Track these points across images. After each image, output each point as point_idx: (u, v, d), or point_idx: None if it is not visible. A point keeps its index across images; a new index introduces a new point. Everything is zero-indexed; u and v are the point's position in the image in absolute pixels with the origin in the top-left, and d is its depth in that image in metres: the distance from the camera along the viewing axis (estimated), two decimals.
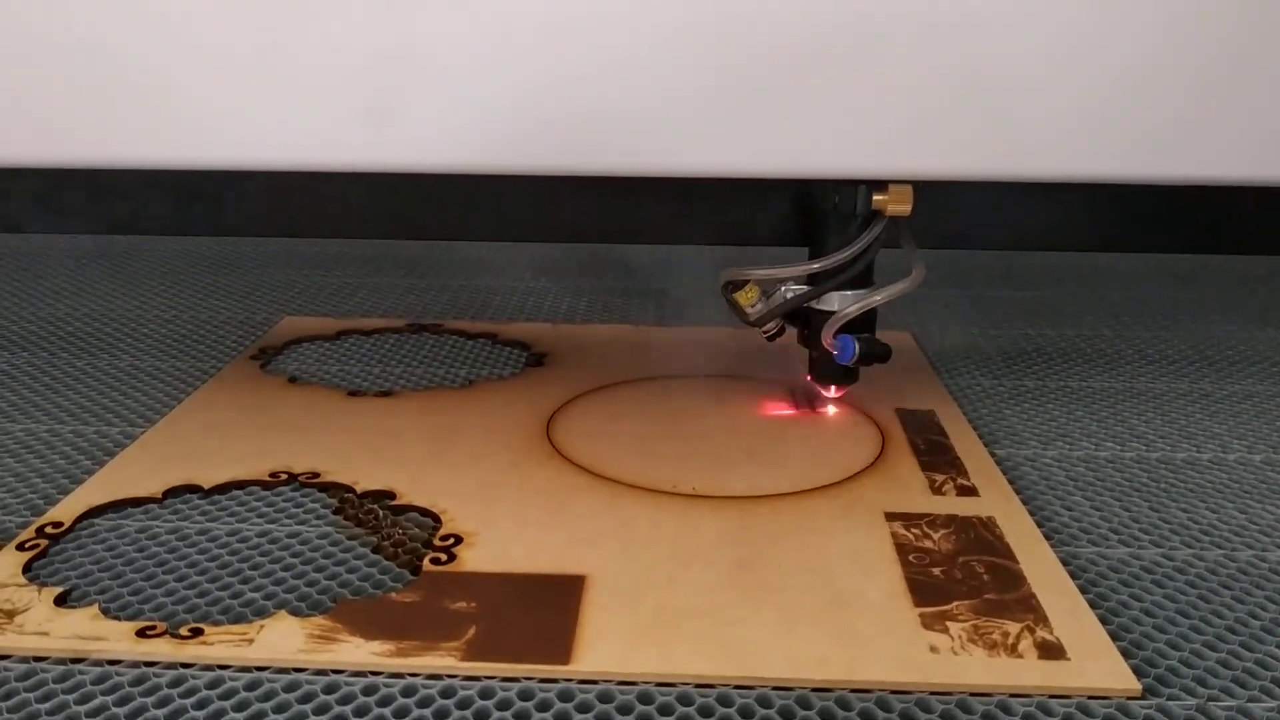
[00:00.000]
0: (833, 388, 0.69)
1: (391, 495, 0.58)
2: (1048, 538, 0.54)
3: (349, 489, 0.59)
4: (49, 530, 0.53)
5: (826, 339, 0.64)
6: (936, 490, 0.59)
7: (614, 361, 0.79)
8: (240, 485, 0.59)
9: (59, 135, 0.57)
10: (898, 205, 0.63)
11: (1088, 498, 0.59)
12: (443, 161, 0.58)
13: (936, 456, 0.64)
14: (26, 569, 0.50)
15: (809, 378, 0.69)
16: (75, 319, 0.89)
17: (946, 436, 0.66)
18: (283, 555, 0.52)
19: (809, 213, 0.67)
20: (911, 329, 0.87)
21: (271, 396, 0.71)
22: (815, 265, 0.64)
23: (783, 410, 0.69)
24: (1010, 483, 0.60)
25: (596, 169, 0.58)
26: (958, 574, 0.51)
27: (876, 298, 0.63)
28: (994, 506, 0.57)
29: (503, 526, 0.54)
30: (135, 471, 0.60)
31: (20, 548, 0.52)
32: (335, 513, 0.57)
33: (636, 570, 0.50)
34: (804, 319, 0.66)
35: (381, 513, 0.56)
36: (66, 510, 0.55)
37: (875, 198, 0.63)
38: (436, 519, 0.55)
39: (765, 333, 0.67)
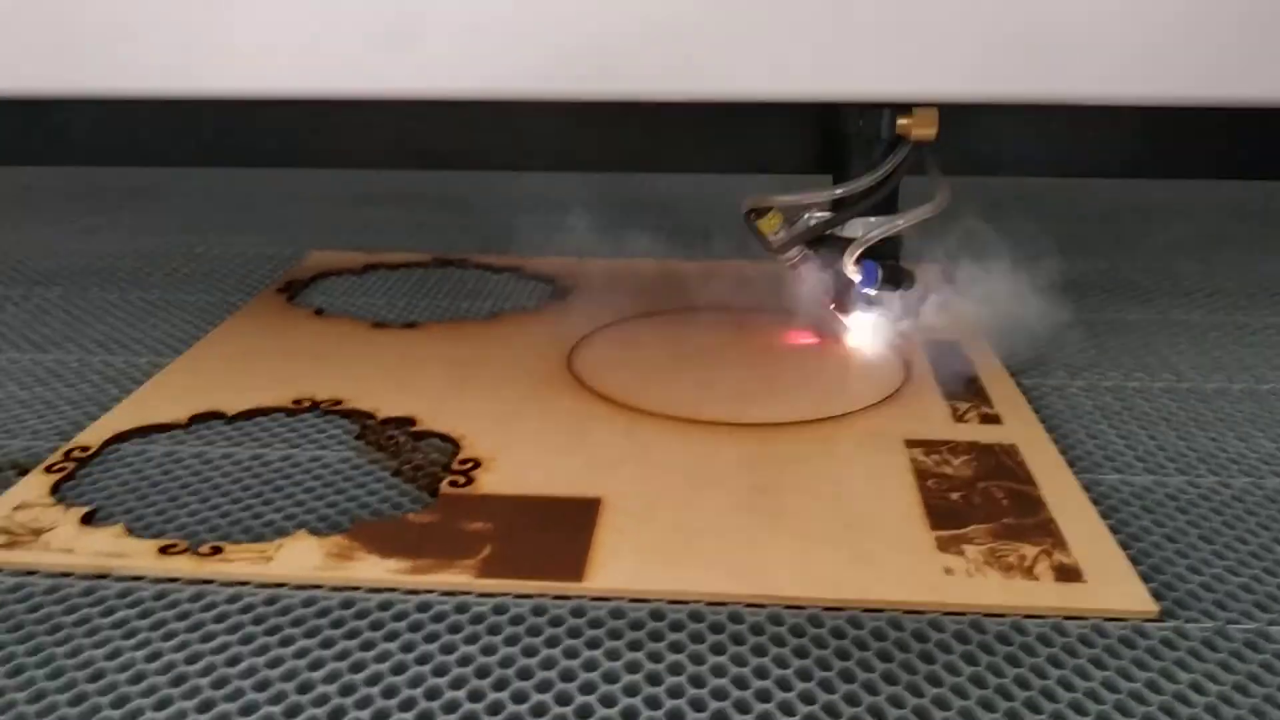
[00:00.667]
0: (853, 314, 0.68)
1: (412, 422, 0.58)
2: (1071, 465, 0.54)
3: (370, 416, 0.59)
4: (76, 454, 0.54)
5: (849, 264, 0.63)
6: (959, 418, 0.59)
7: (637, 295, 0.78)
8: (264, 412, 0.60)
9: (76, 63, 0.57)
10: (922, 129, 0.61)
11: (1113, 426, 0.59)
12: (465, 88, 0.57)
13: (960, 386, 0.63)
14: (54, 490, 0.51)
15: (831, 305, 0.68)
16: (104, 254, 0.90)
17: (972, 366, 0.66)
18: (303, 478, 0.53)
19: (833, 138, 0.66)
20: (940, 260, 0.86)
21: (297, 327, 0.72)
22: (839, 190, 0.63)
23: (806, 339, 0.69)
24: (1035, 412, 0.59)
25: (624, 94, 0.57)
26: (976, 499, 0.50)
27: (899, 221, 0.62)
28: (1017, 434, 0.57)
29: (521, 451, 0.54)
30: (161, 399, 0.60)
31: (49, 470, 0.53)
32: (357, 438, 0.57)
33: (651, 493, 0.50)
34: (827, 246, 0.65)
35: (402, 438, 0.57)
36: (94, 435, 0.56)
37: (899, 122, 0.62)
38: (456, 444, 0.56)
39: (788, 261, 0.66)
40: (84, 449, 0.55)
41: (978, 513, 0.49)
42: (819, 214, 0.64)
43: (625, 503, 0.49)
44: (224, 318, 0.74)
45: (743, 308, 0.75)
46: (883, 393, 0.62)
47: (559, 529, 0.47)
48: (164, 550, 0.46)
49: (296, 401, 0.60)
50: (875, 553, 0.46)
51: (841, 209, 0.64)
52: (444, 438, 0.56)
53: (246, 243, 0.94)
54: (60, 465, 0.53)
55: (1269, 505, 0.51)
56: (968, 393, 0.62)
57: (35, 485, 0.51)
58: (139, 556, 0.45)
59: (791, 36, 0.55)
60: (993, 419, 0.59)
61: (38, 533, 0.47)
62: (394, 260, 0.87)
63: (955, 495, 0.50)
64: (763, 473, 0.52)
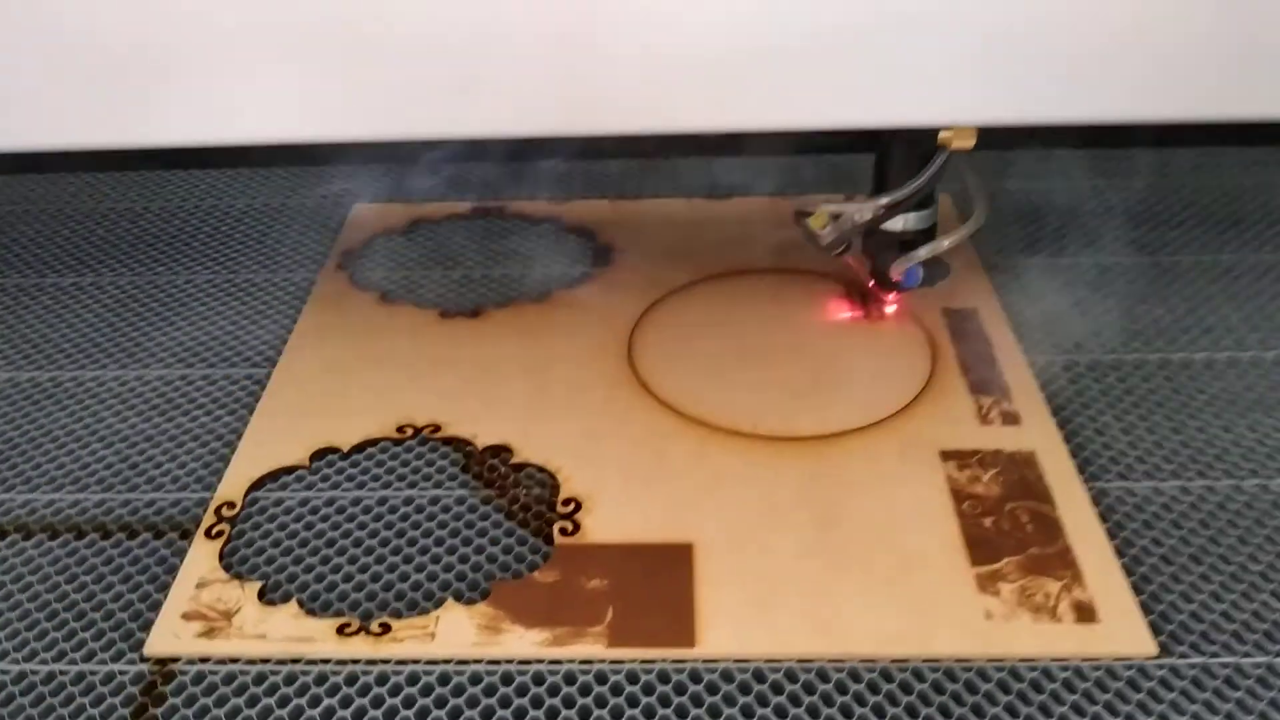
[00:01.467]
0: (892, 295, 0.75)
1: (508, 450, 0.66)
2: (1080, 470, 0.63)
3: (469, 443, 0.67)
4: (225, 512, 0.62)
5: (896, 273, 0.70)
6: (984, 419, 0.67)
7: (676, 251, 0.84)
8: (374, 442, 0.67)
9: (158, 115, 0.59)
10: (962, 141, 0.66)
11: (1117, 417, 0.67)
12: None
13: (983, 373, 0.71)
14: (221, 558, 0.59)
15: (871, 283, 0.75)
16: (141, 236, 0.93)
17: (990, 345, 0.74)
18: (431, 527, 0.61)
19: (876, 143, 0.70)
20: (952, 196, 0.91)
21: (369, 321, 0.78)
22: (882, 200, 0.68)
23: (843, 313, 0.76)
24: (1047, 399, 0.68)
25: (666, 128, 0.61)
26: (1005, 524, 0.60)
27: (944, 243, 0.68)
28: (1034, 439, 0.66)
29: (613, 487, 0.63)
30: (277, 432, 0.68)
31: (209, 535, 0.61)
32: (463, 470, 0.65)
33: (733, 537, 0.59)
34: (871, 236, 0.72)
35: (503, 469, 0.65)
36: (233, 487, 0.64)
37: (940, 133, 0.66)
38: (553, 477, 0.64)
39: (835, 253, 0.73)
40: (230, 505, 0.63)
41: (1008, 541, 0.59)
42: (863, 211, 0.70)
43: (713, 547, 0.59)
44: (294, 304, 0.80)
45: (775, 265, 0.81)
46: (915, 385, 0.70)
47: (664, 583, 0.57)
48: (341, 631, 0.55)
49: (400, 430, 0.68)
50: (929, 599, 0.56)
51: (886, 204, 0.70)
52: (540, 469, 0.65)
53: (281, 195, 0.97)
54: (217, 529, 0.61)
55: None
56: (989, 384, 0.70)
57: (204, 555, 0.59)
58: (322, 640, 0.55)
59: (829, 70, 0.58)
60: (1013, 418, 0.67)
61: (227, 615, 0.56)
62: (435, 214, 0.92)
63: (988, 522, 0.60)
64: (823, 503, 0.62)
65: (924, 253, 0.69)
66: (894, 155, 0.69)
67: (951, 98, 0.59)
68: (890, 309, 0.75)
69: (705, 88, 0.58)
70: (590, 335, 0.76)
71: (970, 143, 0.66)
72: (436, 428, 0.68)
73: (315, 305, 0.80)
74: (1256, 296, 0.78)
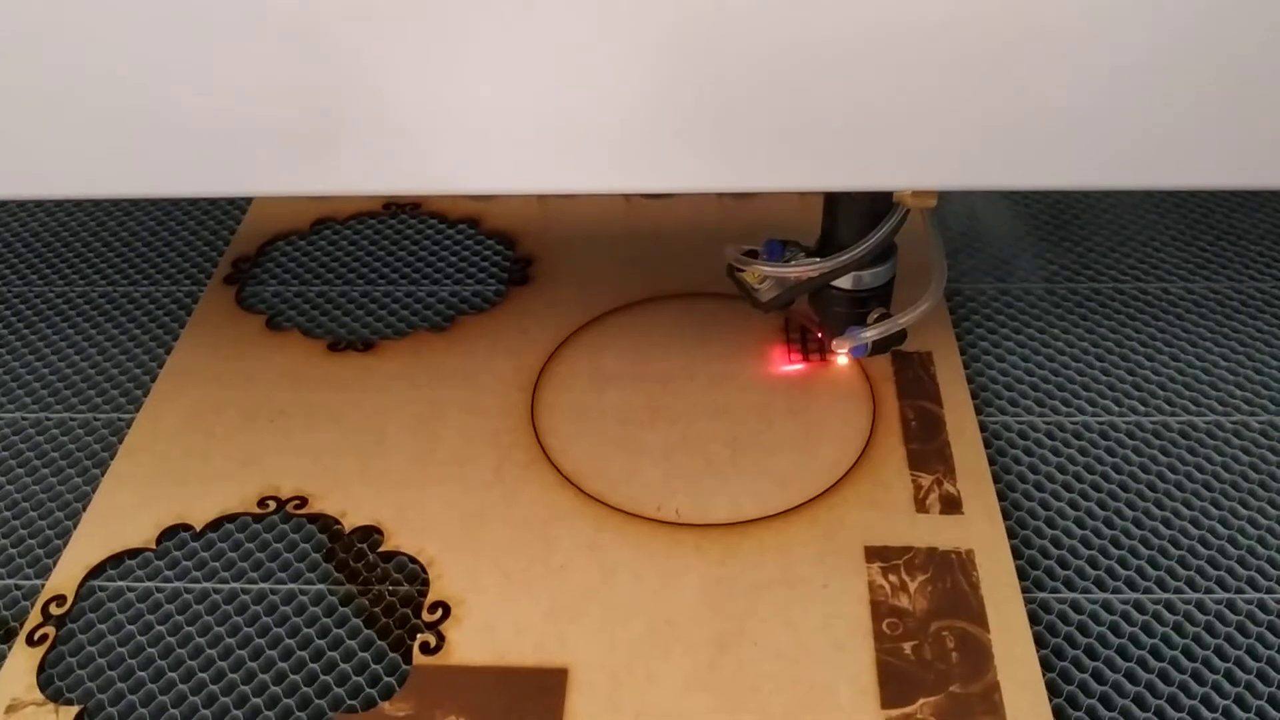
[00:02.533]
0: (845, 348, 0.65)
1: (378, 532, 0.59)
2: (1023, 574, 0.55)
3: (337, 522, 0.59)
4: (53, 610, 0.56)
5: (839, 347, 0.61)
6: (920, 504, 0.59)
7: (605, 266, 0.75)
8: (231, 518, 0.60)
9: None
10: (920, 200, 0.56)
11: (1072, 503, 0.59)
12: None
13: (926, 441, 0.63)
14: (41, 669, 0.53)
15: (820, 334, 0.66)
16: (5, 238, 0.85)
17: (939, 404, 0.65)
18: (280, 634, 0.55)
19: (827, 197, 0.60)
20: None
21: (249, 356, 0.70)
22: (829, 265, 0.59)
23: (787, 365, 0.67)
24: (994, 469, 0.60)
25: (604, 188, 0.51)
26: (927, 652, 0.52)
27: (901, 320, 0.59)
28: (975, 532, 0.58)
29: (489, 587, 0.56)
30: (126, 504, 0.61)
31: (30, 640, 0.54)
32: (326, 558, 0.58)
33: (617, 660, 0.52)
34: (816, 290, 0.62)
35: (371, 557, 0.58)
36: (66, 576, 0.57)
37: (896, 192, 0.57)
38: (424, 570, 0.57)
39: (773, 309, 0.63)
40: (60, 599, 0.56)
41: (927, 675, 0.51)
42: (807, 269, 0.60)
43: (591, 674, 0.52)
44: (170, 327, 0.72)
45: (721, 290, 0.72)
46: (849, 456, 0.62)
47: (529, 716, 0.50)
48: None
49: (262, 503, 0.60)
50: None
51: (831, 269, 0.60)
52: (412, 559, 0.58)
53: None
54: (41, 632, 0.55)
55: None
56: (932, 457, 0.62)
57: (21, 669, 0.53)
58: None
59: (771, 133, 0.49)
60: (953, 503, 0.59)
61: None
62: (343, 212, 0.82)
63: (908, 648, 0.53)
64: (726, 615, 0.54)
65: (872, 334, 0.59)
66: (843, 205, 0.59)
67: (903, 159, 0.49)
68: (842, 359, 0.66)
69: (635, 148, 0.48)
70: (492, 378, 0.68)
71: (932, 201, 0.56)
72: (303, 500, 0.61)
73: (193, 333, 0.72)
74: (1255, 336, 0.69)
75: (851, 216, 0.58)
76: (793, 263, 0.60)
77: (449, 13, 0.43)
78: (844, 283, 0.60)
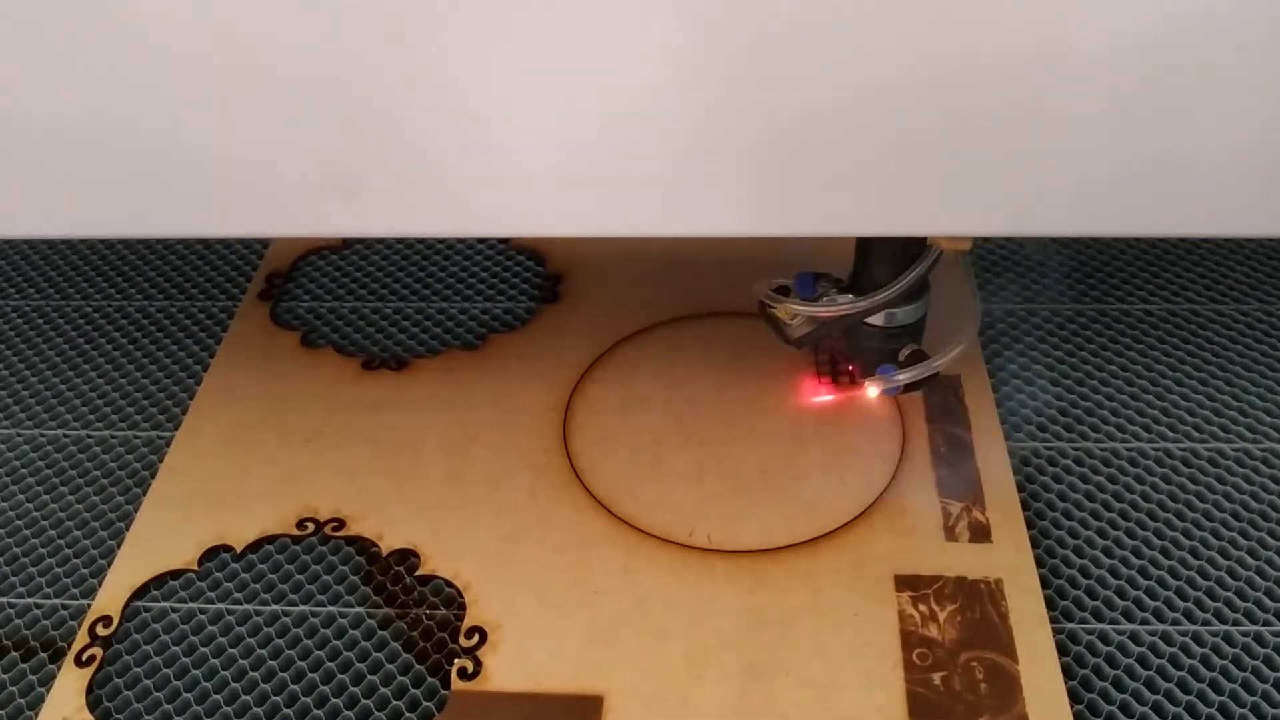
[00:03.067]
0: (879, 388, 0.65)
1: (415, 555, 0.60)
2: (1051, 605, 0.56)
3: (374, 544, 0.61)
4: (99, 631, 0.57)
5: (872, 387, 0.61)
6: (950, 532, 0.60)
7: (636, 285, 0.76)
8: (271, 539, 0.61)
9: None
10: (955, 243, 0.56)
11: (1100, 531, 0.60)
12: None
13: (955, 468, 0.63)
14: (89, 690, 0.54)
15: (850, 367, 0.66)
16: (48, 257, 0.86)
17: (968, 429, 0.66)
18: (321, 657, 0.56)
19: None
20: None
21: (285, 374, 0.71)
22: (862, 304, 0.59)
23: (818, 396, 0.67)
24: (1022, 496, 0.61)
25: (628, 231, 0.51)
26: (956, 683, 0.53)
27: (932, 365, 0.59)
28: (1004, 561, 0.58)
29: (524, 612, 0.57)
30: (167, 524, 0.62)
31: (79, 661, 0.56)
32: (364, 580, 0.59)
33: (651, 687, 0.53)
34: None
35: (408, 580, 0.59)
36: (111, 597, 0.58)
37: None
38: (460, 594, 0.58)
39: (804, 346, 0.63)
40: (107, 620, 0.57)
41: (956, 706, 0.52)
42: (840, 310, 0.60)
43: (625, 702, 0.53)
44: (206, 344, 0.73)
45: (743, 310, 0.73)
46: (879, 483, 0.63)
47: None
48: None
49: (300, 525, 0.62)
50: None
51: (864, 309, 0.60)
52: (448, 583, 0.59)
53: None
54: (89, 653, 0.56)
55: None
56: (961, 485, 0.62)
57: (70, 690, 0.54)
58: None
59: (791, 179, 0.49)
60: (983, 532, 0.60)
61: None
62: None
63: (937, 678, 0.53)
64: (757, 642, 0.55)
65: (905, 378, 0.59)
66: (876, 245, 0.59)
67: (943, 206, 0.49)
68: (873, 393, 0.66)
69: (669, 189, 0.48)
70: (524, 399, 0.68)
71: (966, 245, 0.56)
72: (340, 522, 0.62)
73: (229, 350, 0.73)
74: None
75: (885, 256, 0.58)
76: (824, 300, 0.60)
77: (489, 58, 0.43)
78: (877, 320, 0.60)
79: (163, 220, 0.50)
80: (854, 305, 0.58)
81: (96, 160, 0.47)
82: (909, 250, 0.56)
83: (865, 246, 0.59)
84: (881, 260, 0.58)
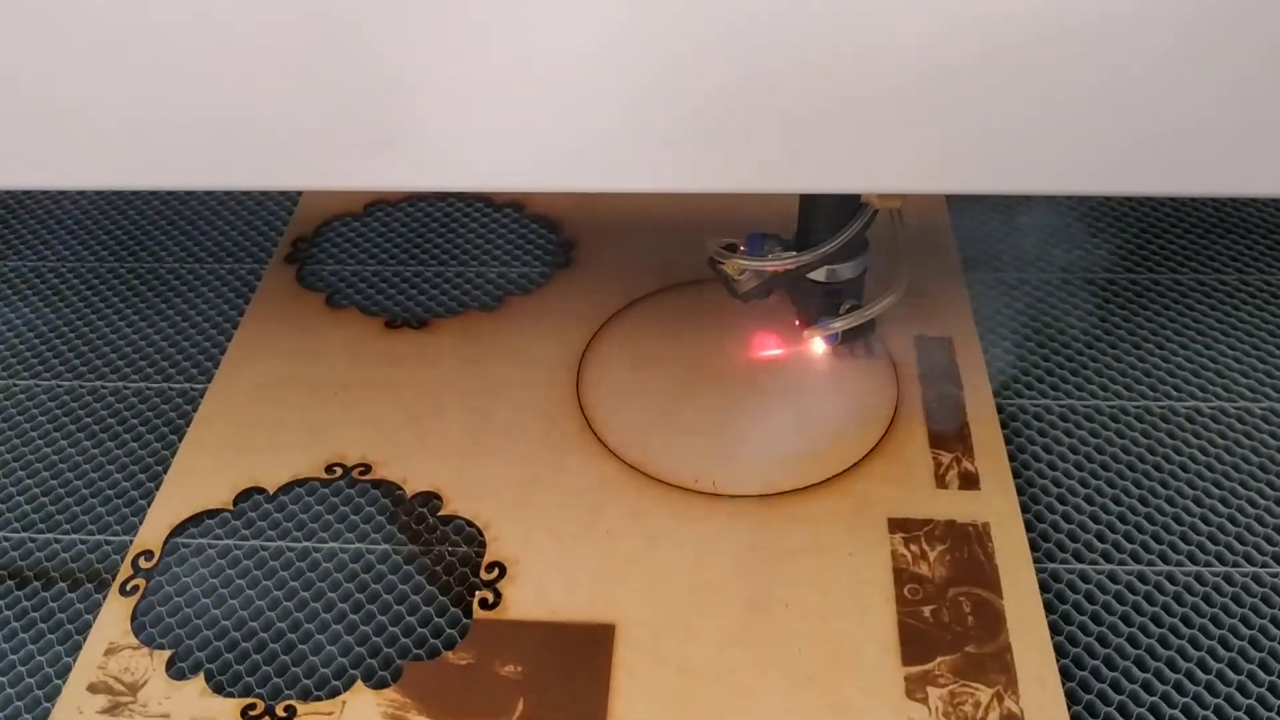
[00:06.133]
0: (818, 337, 0.68)
1: (437, 498, 0.64)
2: (1035, 546, 0.60)
3: (399, 487, 0.64)
4: (141, 564, 0.61)
5: (811, 336, 0.65)
6: (940, 480, 0.64)
7: (645, 251, 0.79)
8: (301, 483, 0.65)
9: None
10: (886, 201, 0.61)
11: (1083, 481, 0.63)
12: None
13: (946, 422, 0.67)
14: (133, 616, 0.58)
15: (798, 323, 0.70)
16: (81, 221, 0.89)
17: (959, 385, 0.69)
18: (350, 589, 0.59)
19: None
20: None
21: (311, 331, 0.74)
22: (802, 259, 0.63)
23: (767, 349, 0.71)
24: (1010, 448, 0.65)
25: (610, 187, 0.54)
26: (945, 615, 0.57)
27: (868, 311, 0.64)
28: (991, 507, 0.62)
29: (541, 549, 0.60)
30: (203, 468, 0.66)
31: (123, 590, 0.59)
32: (390, 520, 0.63)
33: (659, 618, 0.57)
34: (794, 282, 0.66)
35: (431, 520, 0.63)
36: (152, 533, 0.62)
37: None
38: (480, 533, 0.62)
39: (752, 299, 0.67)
40: (148, 554, 0.61)
41: (945, 636, 0.56)
42: (783, 263, 0.64)
43: (637, 629, 0.57)
44: (236, 303, 0.77)
45: None
46: (874, 434, 0.66)
47: (580, 672, 0.55)
48: (245, 715, 0.54)
49: (329, 469, 0.65)
50: (851, 705, 0.53)
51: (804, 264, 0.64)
52: (469, 523, 0.62)
53: None
54: (132, 583, 0.60)
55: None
56: (951, 437, 0.66)
57: (116, 617, 0.58)
58: None
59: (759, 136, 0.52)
60: (972, 480, 0.64)
61: (133, 689, 0.55)
62: (394, 194, 0.87)
63: (927, 611, 0.57)
64: (758, 580, 0.59)
65: (841, 325, 0.64)
66: (817, 204, 0.63)
67: (875, 164, 0.52)
68: (816, 345, 0.70)
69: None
70: (539, 356, 0.72)
71: (897, 203, 0.60)
72: (367, 468, 0.65)
73: (257, 309, 0.77)
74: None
75: (825, 215, 0.62)
76: (769, 257, 0.64)
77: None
78: (819, 275, 0.64)
79: (201, 173, 0.53)
80: (796, 259, 0.62)
81: (139, 118, 0.50)
82: (846, 210, 0.60)
83: (807, 207, 0.63)
84: (821, 219, 0.62)
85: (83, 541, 0.62)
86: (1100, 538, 0.61)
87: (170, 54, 0.47)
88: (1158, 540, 0.60)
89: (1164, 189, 0.51)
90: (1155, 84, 0.46)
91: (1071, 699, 0.53)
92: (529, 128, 0.50)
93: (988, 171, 0.50)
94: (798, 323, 0.69)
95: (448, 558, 0.61)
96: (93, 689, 0.55)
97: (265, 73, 0.48)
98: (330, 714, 0.54)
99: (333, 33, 0.46)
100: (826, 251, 0.62)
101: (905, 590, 0.58)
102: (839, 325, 0.65)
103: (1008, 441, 0.66)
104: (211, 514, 0.63)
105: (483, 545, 0.61)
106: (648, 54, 0.46)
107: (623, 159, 0.51)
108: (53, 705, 0.54)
